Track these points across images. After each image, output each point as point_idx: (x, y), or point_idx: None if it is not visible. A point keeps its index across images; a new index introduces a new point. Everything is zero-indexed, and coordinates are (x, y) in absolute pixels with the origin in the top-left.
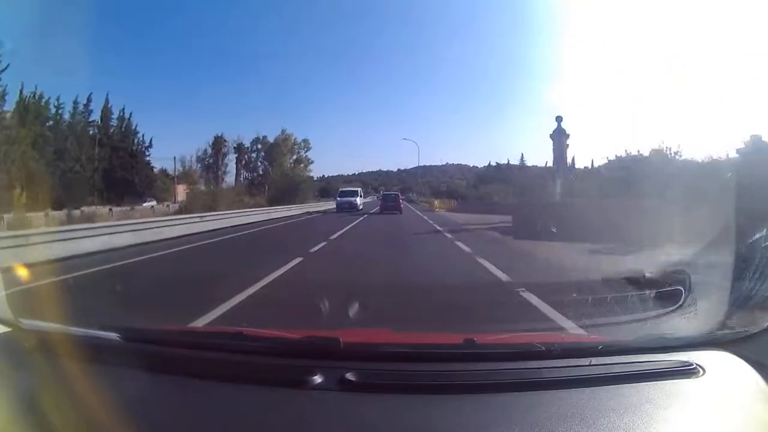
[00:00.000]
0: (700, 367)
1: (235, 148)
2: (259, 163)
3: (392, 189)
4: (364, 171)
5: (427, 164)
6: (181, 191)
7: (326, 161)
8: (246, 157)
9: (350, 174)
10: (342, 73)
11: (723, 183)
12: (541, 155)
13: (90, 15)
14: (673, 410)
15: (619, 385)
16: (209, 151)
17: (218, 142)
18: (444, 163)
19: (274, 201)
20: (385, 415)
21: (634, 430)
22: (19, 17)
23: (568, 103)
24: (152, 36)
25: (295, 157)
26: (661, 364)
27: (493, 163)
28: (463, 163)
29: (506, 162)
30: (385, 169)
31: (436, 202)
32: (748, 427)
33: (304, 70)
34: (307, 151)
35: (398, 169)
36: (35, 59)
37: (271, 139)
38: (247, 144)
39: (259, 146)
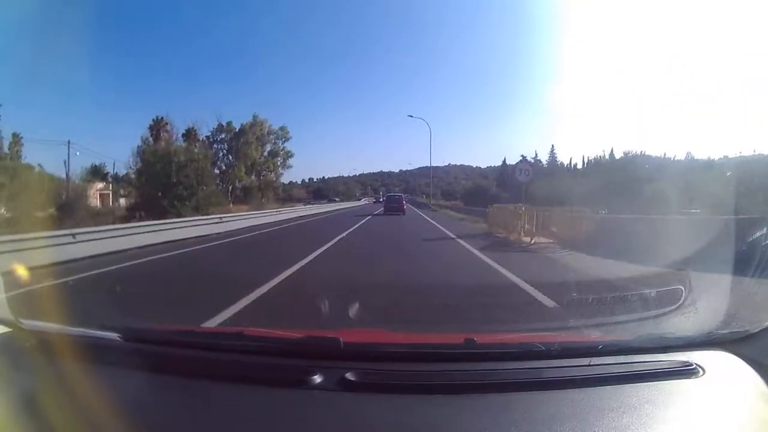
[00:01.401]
0: (700, 367)
1: (183, 135)
2: (222, 156)
3: (394, 190)
4: (365, 172)
5: (425, 167)
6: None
7: (326, 162)
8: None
9: (351, 175)
10: (343, 74)
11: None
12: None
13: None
14: (673, 410)
15: (619, 385)
16: (150, 140)
17: (158, 126)
18: (447, 164)
19: (154, 210)
20: (385, 415)
21: (634, 430)
22: None
23: (568, 103)
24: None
25: (269, 148)
26: (661, 364)
27: (499, 162)
28: (466, 163)
29: (534, 156)
30: (386, 170)
31: (522, 211)
32: (748, 427)
33: (303, 70)
34: (285, 142)
35: (400, 170)
36: None
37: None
38: (207, 133)
39: (224, 135)
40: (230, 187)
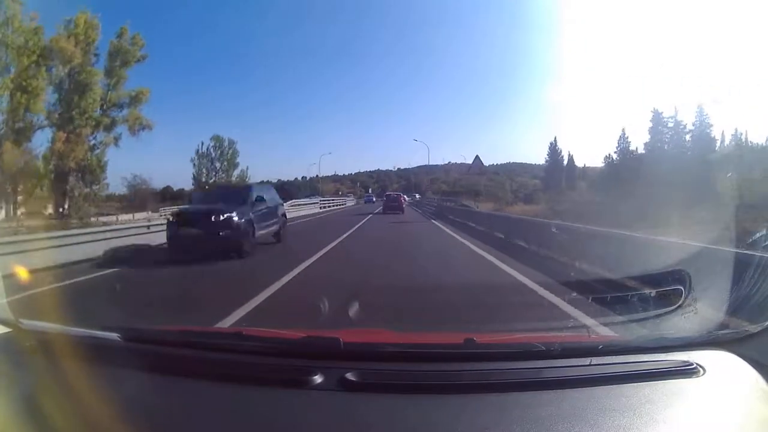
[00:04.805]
0: (701, 366)
1: None
2: None
3: (392, 188)
4: (361, 171)
5: (429, 163)
6: None
7: (324, 161)
8: None
9: (345, 174)
10: (340, 71)
11: None
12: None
13: None
14: (674, 410)
15: (620, 385)
16: None
17: None
18: (446, 162)
19: None
20: (385, 415)
21: (635, 430)
22: None
23: (567, 102)
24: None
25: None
26: (661, 364)
27: (501, 161)
28: (467, 162)
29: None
30: (383, 168)
31: None
32: (748, 427)
33: (301, 69)
34: (125, 65)
35: (397, 168)
36: None
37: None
38: None
39: None
40: None
